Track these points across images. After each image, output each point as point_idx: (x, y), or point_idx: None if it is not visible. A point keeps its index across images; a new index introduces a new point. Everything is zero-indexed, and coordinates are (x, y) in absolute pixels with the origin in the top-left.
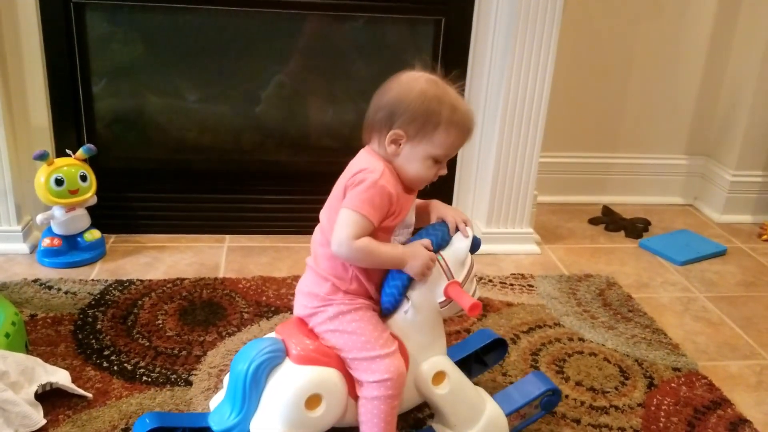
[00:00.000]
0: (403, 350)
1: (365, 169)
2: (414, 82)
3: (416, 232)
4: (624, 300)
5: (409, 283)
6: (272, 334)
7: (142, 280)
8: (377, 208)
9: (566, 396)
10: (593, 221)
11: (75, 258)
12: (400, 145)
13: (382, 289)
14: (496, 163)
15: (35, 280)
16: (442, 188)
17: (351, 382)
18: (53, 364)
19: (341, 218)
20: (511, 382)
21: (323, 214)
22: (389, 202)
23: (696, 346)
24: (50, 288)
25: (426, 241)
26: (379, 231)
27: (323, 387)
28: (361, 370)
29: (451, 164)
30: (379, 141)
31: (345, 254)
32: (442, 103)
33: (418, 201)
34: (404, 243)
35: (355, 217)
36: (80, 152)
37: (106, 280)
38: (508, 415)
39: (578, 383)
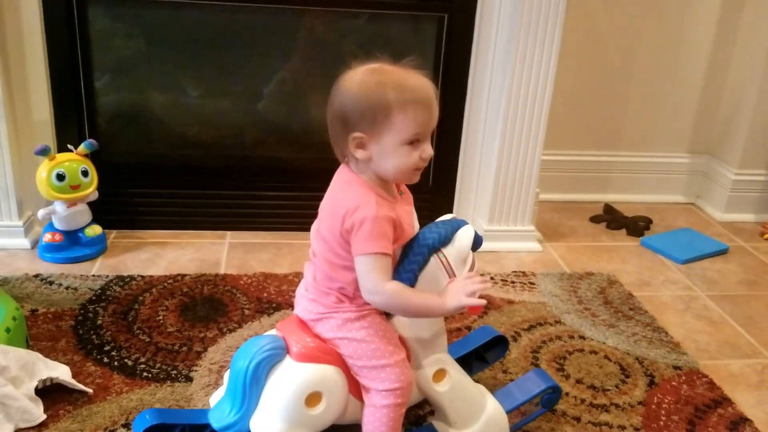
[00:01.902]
0: (404, 347)
1: (359, 207)
2: (351, 80)
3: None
4: (625, 298)
5: (415, 283)
6: (273, 331)
7: (143, 276)
8: (388, 238)
9: (567, 394)
10: (595, 219)
11: (76, 253)
12: (365, 147)
13: None
14: (498, 161)
15: (36, 275)
16: (444, 187)
17: (352, 380)
18: (54, 360)
19: (360, 268)
20: (512, 380)
21: (314, 240)
22: (394, 226)
23: (697, 344)
24: (51, 283)
25: (465, 279)
26: None
27: (324, 385)
28: (370, 378)
29: (453, 162)
30: (349, 155)
31: (380, 302)
32: (384, 86)
33: None
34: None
35: (373, 260)
36: (82, 147)
37: (107, 276)
38: (508, 412)
39: (579, 381)
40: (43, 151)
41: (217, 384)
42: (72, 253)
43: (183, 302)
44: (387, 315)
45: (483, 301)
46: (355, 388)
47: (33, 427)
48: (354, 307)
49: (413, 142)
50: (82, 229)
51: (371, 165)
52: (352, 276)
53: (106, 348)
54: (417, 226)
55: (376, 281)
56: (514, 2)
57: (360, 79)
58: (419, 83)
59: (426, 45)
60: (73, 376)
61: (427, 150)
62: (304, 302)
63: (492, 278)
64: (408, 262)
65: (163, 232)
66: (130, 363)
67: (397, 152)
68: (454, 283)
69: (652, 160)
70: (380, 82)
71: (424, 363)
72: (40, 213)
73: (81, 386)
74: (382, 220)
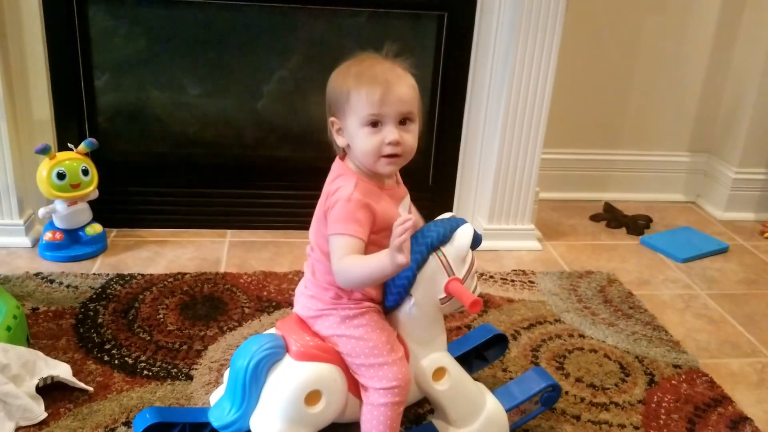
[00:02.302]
0: (403, 346)
1: (338, 189)
2: (334, 72)
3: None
4: (625, 297)
5: (413, 280)
6: (273, 330)
7: (143, 275)
8: (361, 223)
9: (566, 392)
10: (595, 218)
11: (76, 252)
12: (341, 131)
13: (386, 288)
14: (498, 160)
15: (37, 274)
16: (444, 185)
17: (351, 379)
18: (54, 358)
19: (331, 248)
20: (512, 378)
21: (311, 234)
22: (371, 212)
23: (697, 343)
24: (52, 282)
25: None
26: (371, 245)
27: (323, 383)
28: (368, 376)
29: (453, 160)
30: (333, 143)
31: (341, 280)
32: (347, 74)
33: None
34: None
35: (341, 241)
36: (82, 146)
37: (108, 274)
38: (508, 410)
39: (578, 380)
40: (44, 150)
41: (217, 382)
42: (72, 251)
43: (183, 301)
44: (386, 313)
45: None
46: (355, 387)
47: (34, 425)
48: (352, 304)
49: (373, 125)
50: (82, 228)
51: (350, 152)
52: None
53: (107, 346)
54: (420, 221)
55: (338, 260)
56: (514, 1)
57: (338, 69)
58: (381, 68)
59: (426, 43)
60: (74, 375)
61: (390, 135)
62: (303, 299)
63: (492, 277)
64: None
65: (164, 231)
66: (130, 361)
67: (359, 135)
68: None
69: (652, 159)
70: (347, 71)
71: (424, 361)
72: (41, 212)
73: (81, 384)
74: (355, 203)
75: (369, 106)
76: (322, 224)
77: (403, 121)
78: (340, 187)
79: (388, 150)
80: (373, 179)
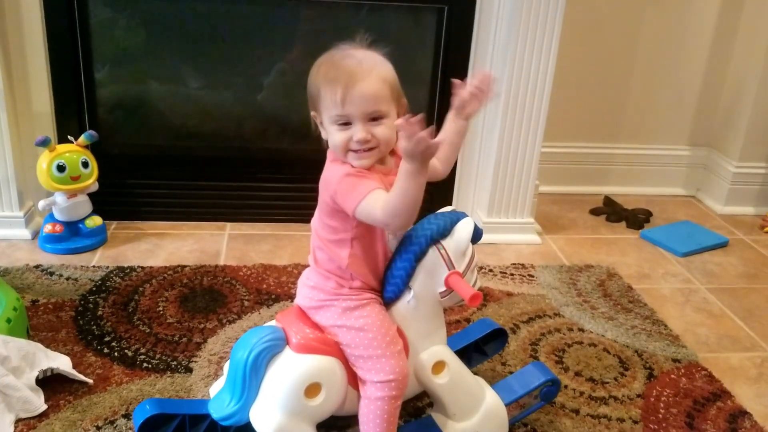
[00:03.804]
0: (403, 339)
1: (332, 174)
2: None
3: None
4: (624, 291)
5: (412, 272)
6: (272, 323)
7: (143, 267)
8: (366, 180)
9: (565, 386)
10: (595, 212)
11: (76, 244)
12: (321, 125)
13: (385, 279)
14: (498, 153)
15: (37, 266)
16: (443, 179)
17: (351, 372)
18: (54, 350)
19: (363, 216)
20: (511, 372)
21: (314, 221)
22: (365, 174)
23: (696, 337)
24: (52, 274)
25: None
26: (372, 229)
27: (323, 376)
28: (366, 369)
29: None
30: (322, 133)
31: (393, 226)
32: (318, 71)
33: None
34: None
35: (367, 201)
36: (82, 138)
37: (107, 267)
38: (507, 404)
39: (578, 374)
40: (44, 142)
41: (216, 375)
42: (72, 244)
43: (183, 293)
44: (386, 305)
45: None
46: (354, 380)
47: (34, 417)
48: (353, 295)
49: (344, 123)
50: (82, 220)
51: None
52: (345, 251)
53: (107, 339)
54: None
55: (375, 216)
56: None
57: (315, 65)
58: (348, 63)
59: (426, 37)
60: (74, 367)
61: (359, 134)
62: (305, 290)
63: (491, 270)
64: (405, 251)
65: (163, 223)
66: (130, 354)
67: (330, 131)
68: (401, 147)
69: (652, 153)
70: (319, 65)
71: (423, 355)
72: (41, 204)
73: (81, 376)
74: (350, 174)
75: (333, 106)
76: (324, 213)
77: (374, 117)
78: (333, 173)
79: (356, 146)
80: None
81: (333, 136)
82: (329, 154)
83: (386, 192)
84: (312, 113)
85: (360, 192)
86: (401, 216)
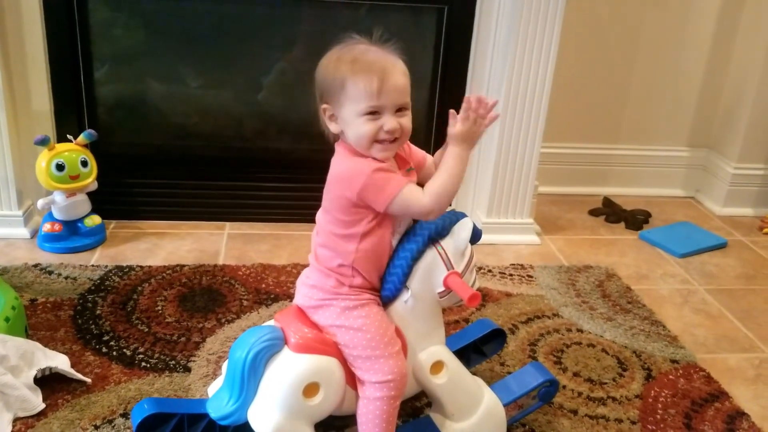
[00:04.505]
0: (401, 339)
1: (359, 170)
2: (322, 59)
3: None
4: (623, 291)
5: (409, 271)
6: (271, 322)
7: (141, 266)
8: (395, 175)
9: (564, 387)
10: (594, 212)
11: (75, 243)
12: (333, 117)
13: (383, 278)
14: (497, 153)
15: (36, 265)
16: None
17: (349, 371)
18: (53, 349)
19: (400, 210)
20: (509, 372)
21: (320, 217)
22: (392, 169)
23: (695, 338)
24: (50, 273)
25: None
26: (387, 217)
27: (321, 375)
28: (365, 369)
29: None
30: (326, 128)
31: (437, 208)
32: (340, 61)
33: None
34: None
35: (402, 195)
36: (81, 137)
37: (106, 266)
38: (505, 405)
39: (576, 374)
40: (43, 141)
41: (215, 374)
42: (71, 243)
43: (182, 293)
44: (384, 303)
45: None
46: (353, 380)
47: (32, 416)
48: (352, 295)
49: (372, 114)
50: (81, 219)
51: (344, 137)
52: (353, 246)
53: (105, 338)
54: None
55: (419, 205)
56: None
57: (327, 55)
58: (375, 57)
59: (426, 37)
60: (72, 366)
61: (389, 123)
62: (304, 289)
63: (490, 271)
64: (402, 250)
65: (162, 223)
66: (128, 353)
67: (357, 121)
68: (458, 131)
69: (651, 154)
70: (338, 58)
71: (422, 355)
72: (40, 203)
73: (80, 376)
74: (380, 170)
75: (368, 98)
76: (338, 208)
77: (399, 109)
78: (359, 168)
79: (385, 136)
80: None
81: (360, 127)
82: (343, 148)
83: (411, 184)
84: (323, 106)
85: (393, 186)
86: (448, 198)
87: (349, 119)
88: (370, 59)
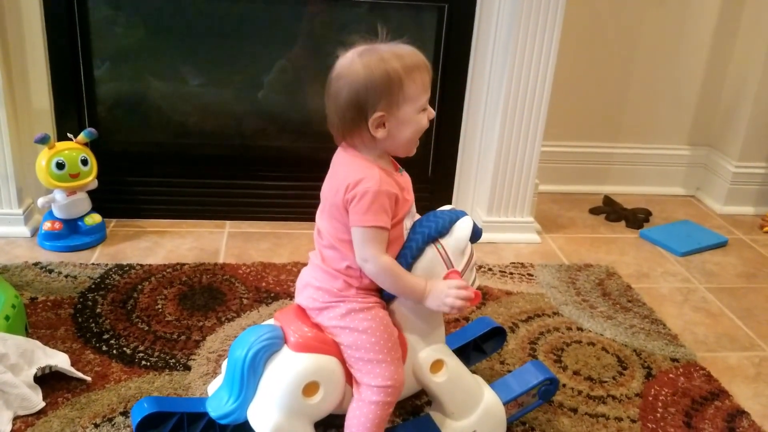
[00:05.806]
0: (401, 338)
1: (362, 180)
2: (353, 67)
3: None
4: (623, 290)
5: (409, 270)
6: (271, 321)
7: (142, 265)
8: (387, 213)
9: (564, 385)
10: (594, 211)
11: (75, 242)
12: (385, 125)
13: None
14: (497, 152)
15: (36, 264)
16: (443, 177)
17: (349, 371)
18: (53, 347)
19: (357, 238)
20: (509, 371)
21: (320, 219)
22: (395, 200)
23: (695, 336)
24: (51, 271)
25: (454, 282)
26: (398, 222)
27: (321, 374)
28: (365, 372)
29: (453, 152)
30: (361, 137)
31: (371, 271)
32: (387, 61)
33: None
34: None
35: (370, 233)
36: (81, 136)
37: (107, 264)
38: (505, 403)
39: (576, 372)
40: (43, 140)
41: (215, 373)
42: (71, 241)
43: (182, 291)
44: (385, 302)
45: (463, 306)
46: (352, 379)
47: (32, 415)
48: (360, 298)
49: (424, 108)
50: (81, 218)
51: (384, 142)
52: None
53: (105, 336)
54: (416, 214)
55: (371, 252)
56: None
57: (360, 62)
58: (410, 50)
59: (426, 35)
60: (72, 364)
61: (432, 112)
62: (309, 291)
63: (490, 269)
64: (402, 247)
65: (163, 221)
66: (128, 351)
67: (414, 120)
68: (441, 285)
69: (652, 152)
70: (382, 59)
71: (422, 353)
72: (40, 201)
73: (80, 374)
74: (383, 195)
75: (424, 92)
76: (339, 214)
77: None
78: (363, 178)
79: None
80: (387, 165)
81: (420, 122)
82: (353, 155)
83: (386, 234)
84: (379, 115)
85: (375, 219)
86: (379, 281)
87: (407, 118)
88: (410, 55)
